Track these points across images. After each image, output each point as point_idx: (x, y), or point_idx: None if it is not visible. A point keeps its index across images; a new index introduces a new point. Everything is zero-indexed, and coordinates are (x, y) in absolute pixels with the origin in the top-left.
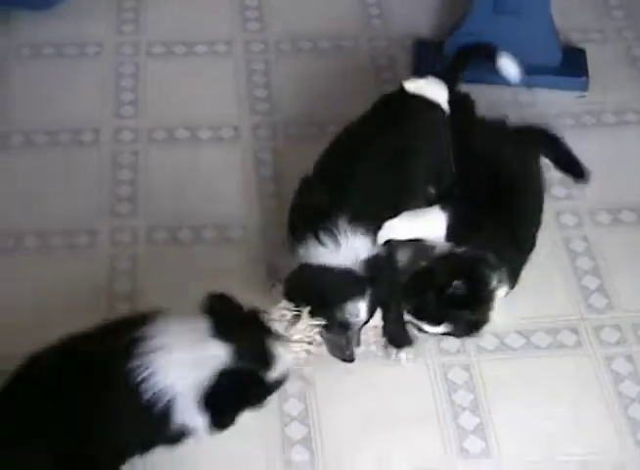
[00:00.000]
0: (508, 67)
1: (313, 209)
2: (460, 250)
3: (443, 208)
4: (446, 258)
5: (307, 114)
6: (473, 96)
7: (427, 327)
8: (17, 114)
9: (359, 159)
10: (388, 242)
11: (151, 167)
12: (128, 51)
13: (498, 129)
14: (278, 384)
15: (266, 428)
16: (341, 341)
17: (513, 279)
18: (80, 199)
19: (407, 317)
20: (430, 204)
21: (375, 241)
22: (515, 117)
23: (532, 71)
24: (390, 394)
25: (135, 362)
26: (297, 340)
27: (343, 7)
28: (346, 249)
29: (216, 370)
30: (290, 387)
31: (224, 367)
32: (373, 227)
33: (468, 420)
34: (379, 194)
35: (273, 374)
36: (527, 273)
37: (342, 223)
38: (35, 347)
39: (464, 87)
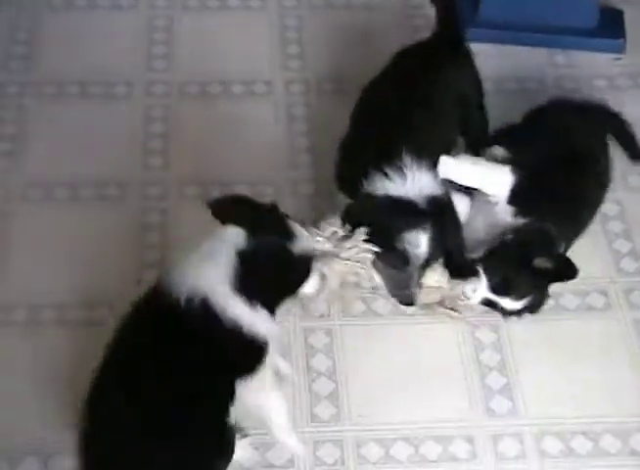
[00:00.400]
0: None
1: (374, 146)
2: (524, 222)
3: (514, 170)
4: (520, 231)
5: (340, 69)
6: (508, 57)
7: (508, 303)
8: (50, 64)
9: (403, 100)
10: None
11: (183, 121)
12: (162, 4)
13: (570, 106)
14: (306, 260)
15: (293, 383)
16: (400, 277)
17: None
18: (111, 151)
19: (485, 295)
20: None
21: (438, 179)
22: (550, 78)
23: (569, 33)
24: (418, 352)
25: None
26: (344, 258)
27: None
28: (412, 182)
29: (235, 254)
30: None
31: (242, 248)
32: (435, 163)
33: (495, 380)
34: (431, 132)
35: (297, 246)
36: None
37: (407, 157)
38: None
39: (499, 48)
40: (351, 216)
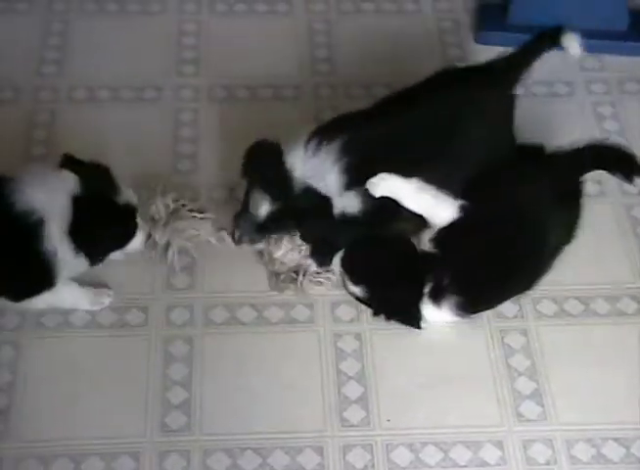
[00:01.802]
0: (573, 45)
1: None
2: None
3: (462, 206)
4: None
5: (368, 75)
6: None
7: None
8: (81, 69)
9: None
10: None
11: (211, 125)
12: (190, 8)
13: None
14: (130, 214)
15: (323, 387)
16: (243, 224)
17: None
18: (142, 155)
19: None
20: None
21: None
22: (580, 82)
23: (599, 36)
24: (447, 355)
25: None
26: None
27: None
28: (305, 164)
29: (70, 196)
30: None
31: (75, 194)
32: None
33: (524, 385)
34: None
35: (121, 199)
36: (588, 240)
37: (336, 145)
38: None
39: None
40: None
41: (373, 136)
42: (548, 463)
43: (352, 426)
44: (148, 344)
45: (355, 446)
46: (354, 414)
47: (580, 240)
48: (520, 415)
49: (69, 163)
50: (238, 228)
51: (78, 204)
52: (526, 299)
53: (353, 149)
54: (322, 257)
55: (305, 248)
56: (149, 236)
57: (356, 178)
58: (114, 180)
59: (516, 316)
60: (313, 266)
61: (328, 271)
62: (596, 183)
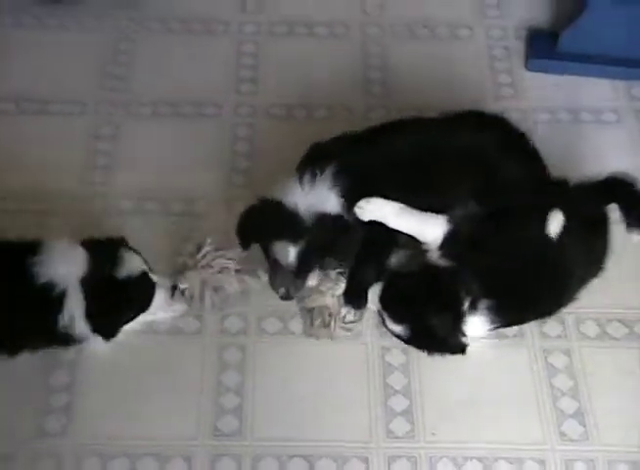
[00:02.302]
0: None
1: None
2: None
3: (450, 220)
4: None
5: (421, 98)
6: (581, 89)
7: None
8: (145, 85)
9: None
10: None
11: (267, 142)
12: (251, 30)
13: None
14: (134, 283)
15: (370, 399)
16: (277, 277)
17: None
18: (200, 169)
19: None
20: None
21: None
22: (628, 110)
23: None
24: (492, 373)
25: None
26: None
27: (461, 1)
28: (306, 196)
29: (83, 275)
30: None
31: (84, 274)
32: (351, 193)
33: (567, 404)
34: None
35: (122, 272)
36: (632, 262)
37: (313, 171)
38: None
39: (577, 80)
40: (242, 221)
41: (365, 160)
42: None
43: (397, 438)
44: (202, 350)
45: (400, 457)
46: (400, 427)
47: (623, 263)
48: (562, 434)
49: (87, 241)
50: (279, 286)
51: (85, 285)
52: (570, 319)
53: (347, 173)
54: (357, 299)
55: (339, 292)
56: (174, 287)
57: (355, 200)
58: (115, 253)
59: (559, 336)
60: (344, 312)
61: (356, 316)
62: None
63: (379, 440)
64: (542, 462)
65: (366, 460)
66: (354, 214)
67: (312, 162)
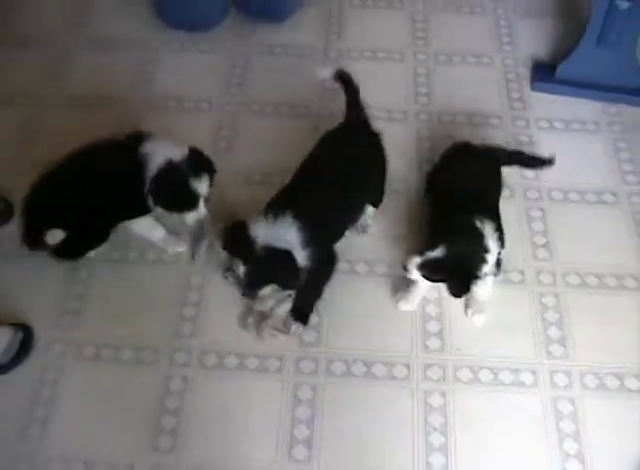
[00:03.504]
0: None
1: (282, 193)
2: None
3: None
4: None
5: (455, 106)
6: (571, 105)
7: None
8: (259, 88)
9: (317, 169)
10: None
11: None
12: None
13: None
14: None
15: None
16: (241, 281)
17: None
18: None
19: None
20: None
21: (290, 236)
22: (602, 123)
23: (621, 92)
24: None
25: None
26: None
27: (482, 33)
28: (266, 231)
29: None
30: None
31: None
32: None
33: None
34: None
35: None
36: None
37: (276, 212)
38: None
39: (564, 98)
40: (224, 234)
41: (311, 202)
42: None
43: (431, 351)
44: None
45: (433, 365)
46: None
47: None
48: (549, 353)
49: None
50: (240, 288)
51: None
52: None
53: (303, 214)
54: (301, 318)
55: (284, 308)
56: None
57: (311, 236)
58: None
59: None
60: (293, 327)
61: (296, 329)
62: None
63: (418, 351)
64: (534, 372)
65: (408, 367)
66: (310, 252)
67: (275, 205)
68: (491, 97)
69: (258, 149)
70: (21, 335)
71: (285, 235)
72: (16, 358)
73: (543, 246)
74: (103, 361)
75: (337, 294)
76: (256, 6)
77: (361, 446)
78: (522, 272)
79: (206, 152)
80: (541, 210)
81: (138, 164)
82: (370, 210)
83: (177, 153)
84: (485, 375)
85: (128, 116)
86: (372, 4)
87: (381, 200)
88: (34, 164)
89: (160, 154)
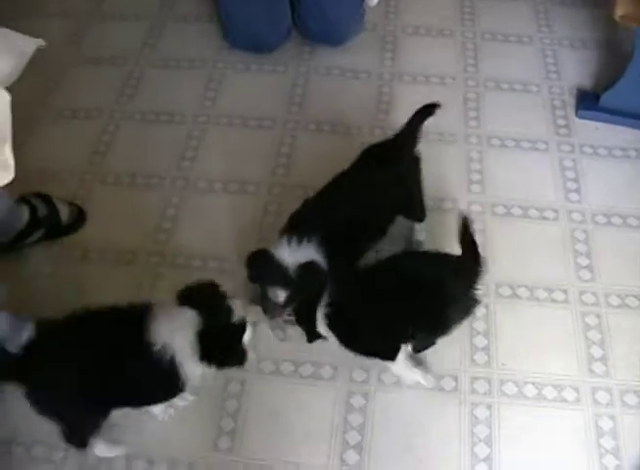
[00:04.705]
0: None
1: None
2: None
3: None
4: None
5: (504, 130)
6: (613, 132)
7: None
8: (317, 106)
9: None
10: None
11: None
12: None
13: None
14: (241, 326)
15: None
16: (270, 307)
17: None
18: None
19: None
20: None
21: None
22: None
23: None
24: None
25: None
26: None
27: (529, 62)
28: (291, 252)
29: (195, 331)
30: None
31: (199, 328)
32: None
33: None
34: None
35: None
36: None
37: (297, 234)
38: None
39: (607, 126)
40: (248, 262)
41: (335, 222)
42: None
43: (478, 365)
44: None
45: (479, 378)
46: (480, 358)
47: None
48: (591, 371)
49: (186, 299)
50: (270, 314)
51: (203, 337)
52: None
53: (327, 236)
54: (305, 324)
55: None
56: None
57: (334, 258)
58: (225, 303)
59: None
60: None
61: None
62: None
63: (466, 366)
64: (576, 389)
65: (455, 379)
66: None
67: (299, 227)
68: (541, 122)
69: (314, 164)
70: None
71: (309, 255)
72: None
73: (586, 267)
74: None
75: None
76: (317, 31)
77: (409, 454)
78: (565, 292)
79: (265, 166)
80: (584, 232)
81: None
82: (417, 225)
83: None
84: (530, 390)
85: (194, 132)
86: (424, 32)
87: (420, 214)
88: (106, 174)
89: None
